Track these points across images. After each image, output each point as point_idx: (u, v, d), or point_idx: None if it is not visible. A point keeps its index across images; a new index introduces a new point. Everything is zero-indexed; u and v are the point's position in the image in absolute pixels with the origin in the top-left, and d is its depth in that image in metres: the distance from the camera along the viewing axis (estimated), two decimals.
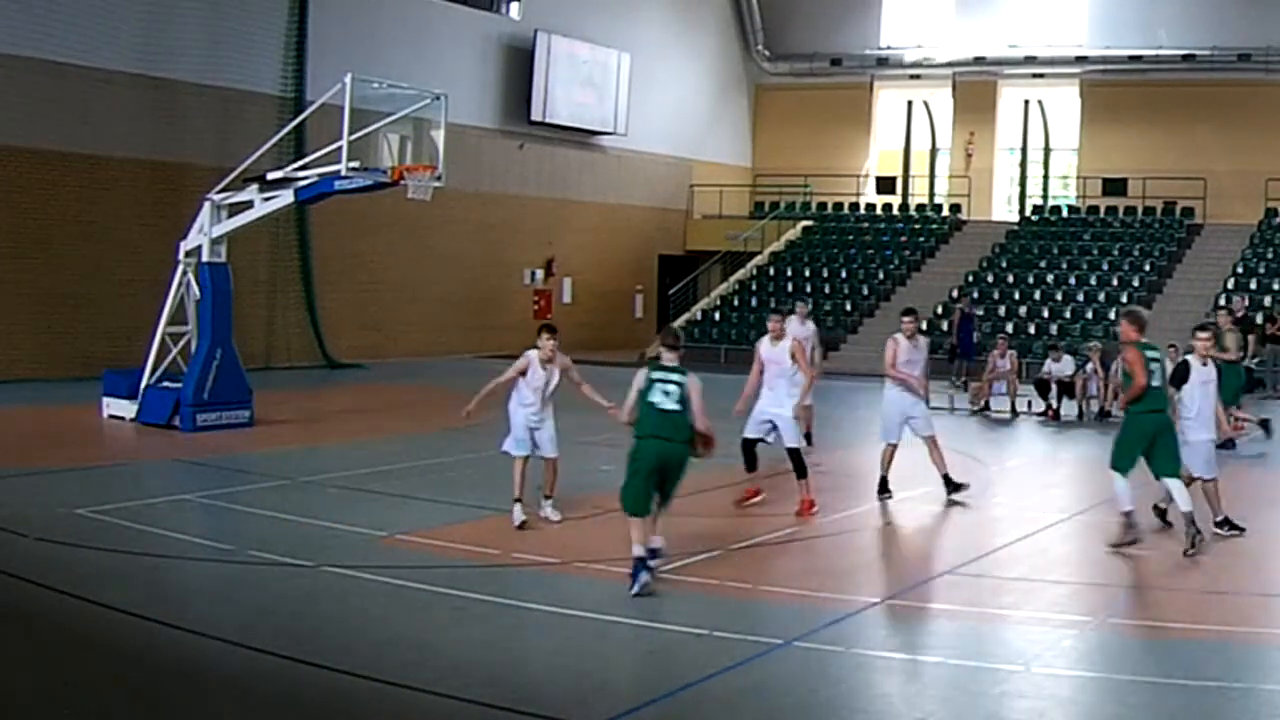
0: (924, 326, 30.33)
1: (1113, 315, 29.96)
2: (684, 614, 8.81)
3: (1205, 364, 11.83)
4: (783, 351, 12.56)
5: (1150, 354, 11.28)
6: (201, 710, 6.96)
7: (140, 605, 8.62)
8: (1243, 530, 11.73)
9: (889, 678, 7.86)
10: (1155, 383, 11.24)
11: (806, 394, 13.03)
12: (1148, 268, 32.46)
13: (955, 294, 31.50)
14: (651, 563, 9.43)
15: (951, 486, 13.45)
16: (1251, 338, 20.39)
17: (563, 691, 7.39)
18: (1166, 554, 11.23)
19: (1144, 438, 11.33)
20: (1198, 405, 11.70)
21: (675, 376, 9.59)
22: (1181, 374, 11.81)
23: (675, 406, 9.46)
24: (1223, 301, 27.26)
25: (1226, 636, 8.54)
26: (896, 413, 13.46)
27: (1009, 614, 9.34)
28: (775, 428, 12.56)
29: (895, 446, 13.49)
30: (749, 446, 12.76)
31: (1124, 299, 30.74)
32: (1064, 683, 7.73)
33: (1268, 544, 12.12)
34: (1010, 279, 33.14)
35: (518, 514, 11.63)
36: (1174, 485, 11.25)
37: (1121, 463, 11.38)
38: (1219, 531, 11.67)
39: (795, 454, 12.56)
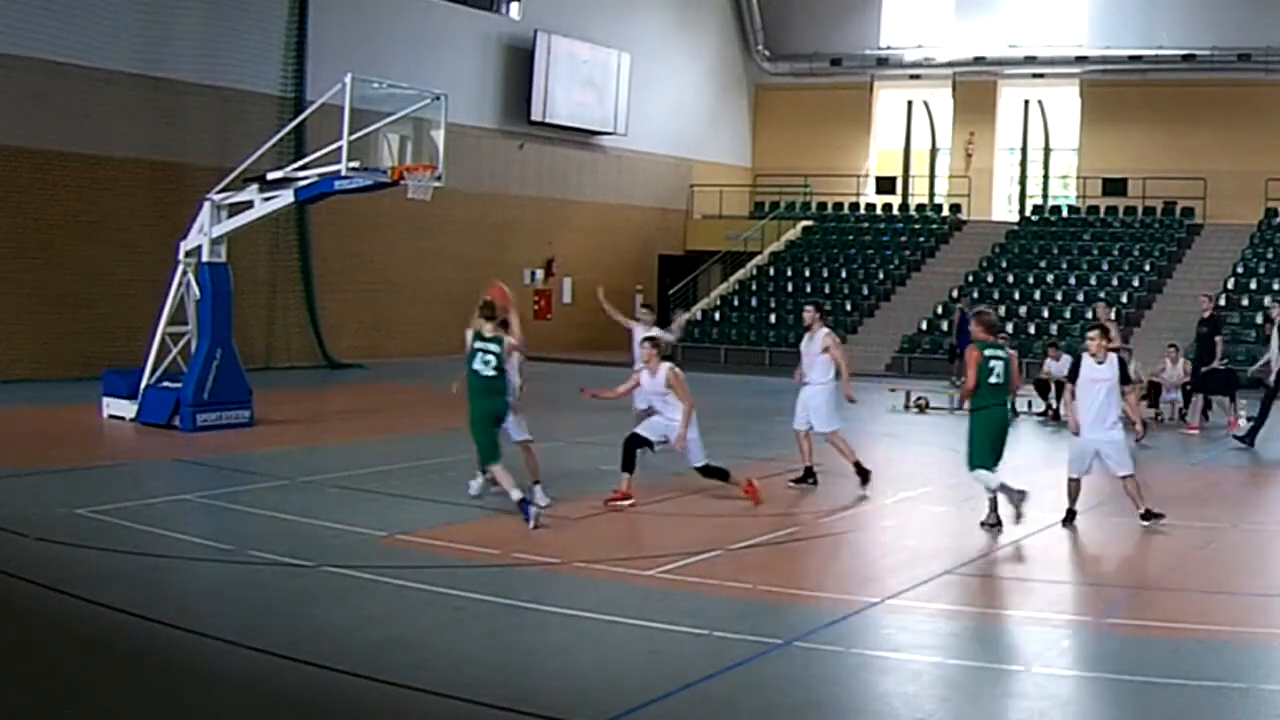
0: (925, 327, 31.04)
1: (1113, 316, 29.95)
2: (684, 614, 8.80)
3: (1102, 363, 11.95)
4: (660, 382, 12.60)
5: (989, 352, 11.73)
6: (201, 710, 6.96)
7: (140, 605, 8.61)
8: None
9: (889, 678, 7.85)
10: (993, 380, 11.68)
11: (688, 422, 12.49)
12: (1148, 268, 32.46)
13: (955, 294, 31.50)
14: (541, 502, 11.56)
15: (863, 475, 13.67)
16: (1219, 339, 20.62)
17: (563, 691, 7.38)
18: (1165, 554, 11.25)
19: (996, 430, 11.75)
20: (1086, 403, 11.94)
21: (493, 346, 11.50)
22: (1073, 370, 12.20)
23: (493, 373, 11.41)
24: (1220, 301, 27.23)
25: (1226, 636, 8.53)
26: (800, 404, 13.99)
27: (1009, 614, 9.34)
28: (668, 440, 12.69)
29: (802, 434, 13.96)
30: (632, 445, 12.54)
31: (1124, 299, 30.75)
32: (1064, 683, 7.73)
33: (1267, 544, 12.15)
34: (1010, 279, 33.14)
35: (475, 485, 12.47)
36: (982, 475, 11.67)
37: (979, 460, 11.71)
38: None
39: (704, 470, 12.80)
